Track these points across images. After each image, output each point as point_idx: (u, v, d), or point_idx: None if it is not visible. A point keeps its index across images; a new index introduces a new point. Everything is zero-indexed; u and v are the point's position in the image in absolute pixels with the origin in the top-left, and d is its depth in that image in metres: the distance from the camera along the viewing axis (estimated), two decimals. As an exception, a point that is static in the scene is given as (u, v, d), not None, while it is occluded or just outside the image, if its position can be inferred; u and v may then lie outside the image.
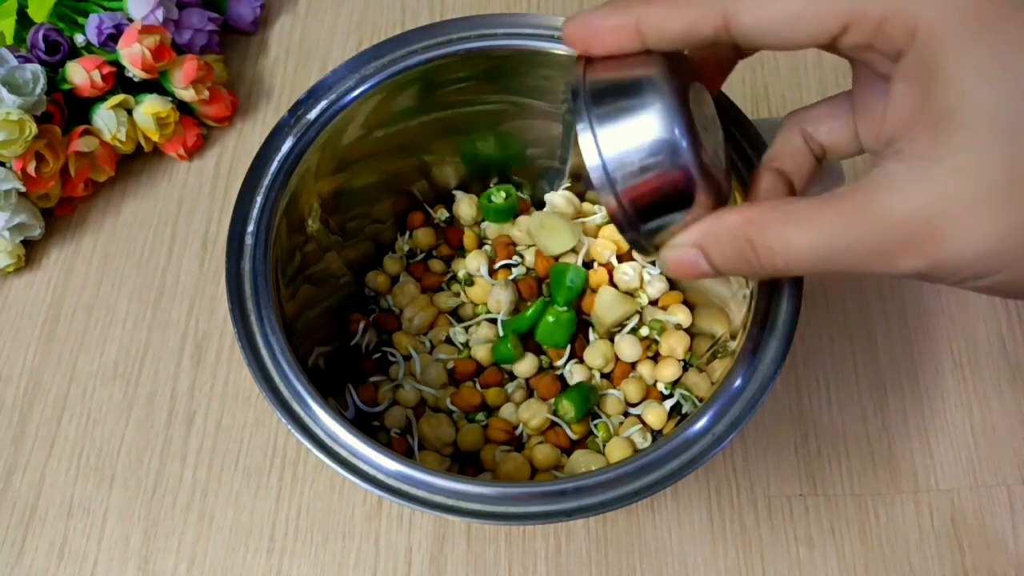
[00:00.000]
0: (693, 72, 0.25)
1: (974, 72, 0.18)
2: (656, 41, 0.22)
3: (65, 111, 0.46)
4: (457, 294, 0.43)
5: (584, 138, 0.23)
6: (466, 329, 0.42)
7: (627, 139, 0.22)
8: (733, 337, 0.34)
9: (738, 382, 0.30)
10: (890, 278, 0.22)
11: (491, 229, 0.44)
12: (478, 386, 0.40)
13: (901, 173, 0.19)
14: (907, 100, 0.20)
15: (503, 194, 0.43)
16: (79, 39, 0.46)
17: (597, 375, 0.40)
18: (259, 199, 0.33)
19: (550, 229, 0.41)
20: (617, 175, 0.22)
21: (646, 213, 0.23)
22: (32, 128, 0.42)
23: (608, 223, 0.43)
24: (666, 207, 0.23)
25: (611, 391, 0.40)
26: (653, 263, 0.42)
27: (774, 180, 0.27)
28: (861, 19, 0.19)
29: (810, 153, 0.26)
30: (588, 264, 0.42)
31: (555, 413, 0.39)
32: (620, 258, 0.42)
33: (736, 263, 0.22)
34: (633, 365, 0.41)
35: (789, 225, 0.21)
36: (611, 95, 0.23)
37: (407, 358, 0.41)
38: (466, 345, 0.41)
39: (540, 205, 0.45)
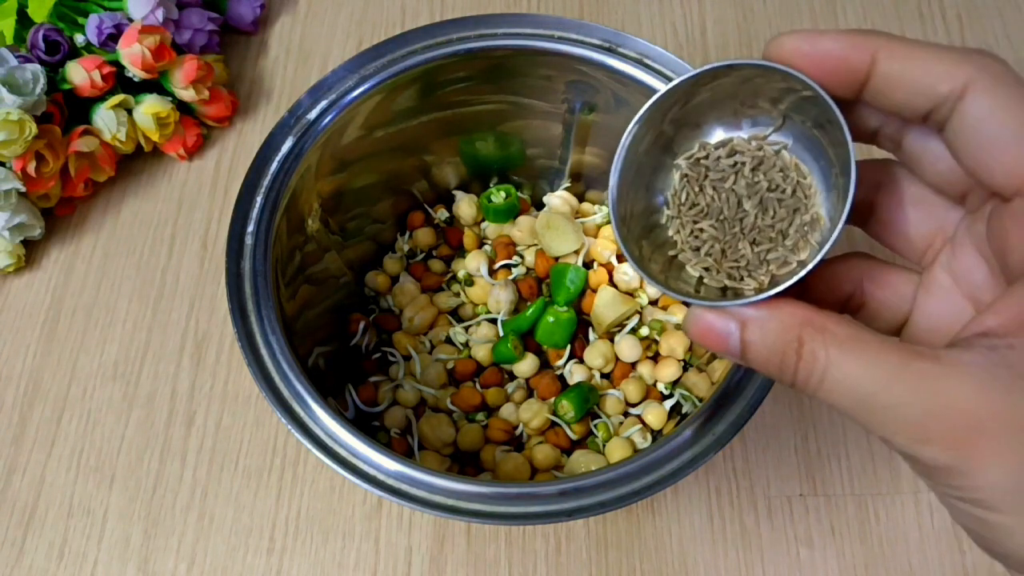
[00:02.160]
0: None
1: None
2: (890, 79, 0.20)
3: (65, 111, 0.46)
4: (457, 294, 0.43)
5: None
6: (466, 329, 0.42)
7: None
8: (733, 337, 0.34)
9: (738, 382, 0.30)
10: (899, 453, 0.21)
11: (491, 229, 0.44)
12: (478, 386, 0.40)
13: (985, 369, 0.18)
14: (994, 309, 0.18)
15: (503, 194, 0.43)
16: (79, 39, 0.46)
17: (597, 375, 0.40)
18: (259, 199, 0.33)
19: (555, 230, 0.41)
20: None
21: None
22: (32, 128, 0.42)
23: (608, 223, 0.43)
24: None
25: (611, 391, 0.40)
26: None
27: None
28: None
29: (845, 299, 0.24)
30: (588, 264, 0.42)
31: (555, 413, 0.39)
32: (620, 258, 0.42)
33: (772, 356, 0.20)
34: (633, 365, 0.41)
35: (850, 350, 0.19)
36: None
37: (407, 358, 0.41)
38: (466, 345, 0.41)
39: (540, 205, 0.45)
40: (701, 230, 0.24)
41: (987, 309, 0.20)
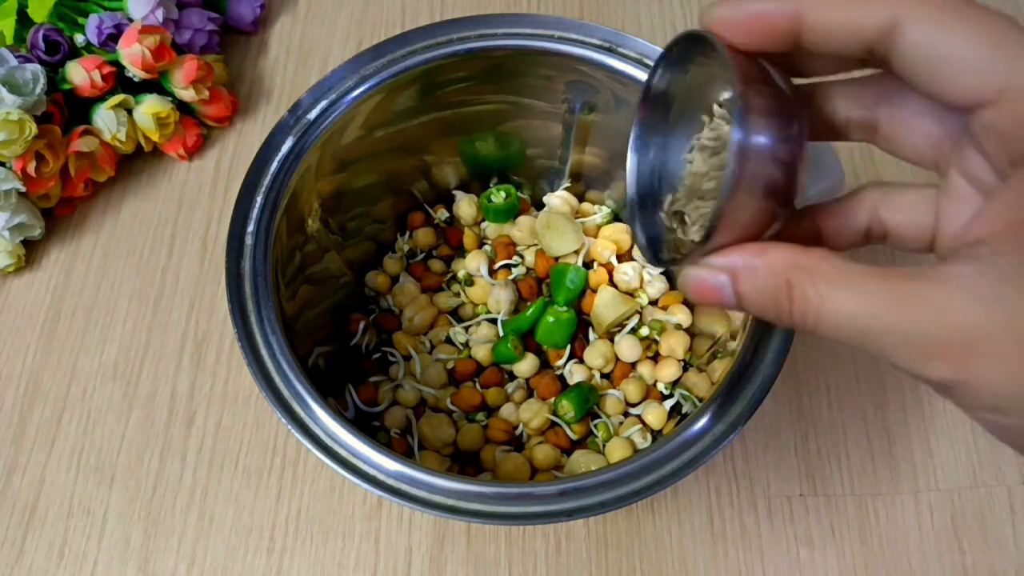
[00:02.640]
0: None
1: None
2: (813, 36, 0.20)
3: (65, 111, 0.46)
4: (457, 294, 0.43)
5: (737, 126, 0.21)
6: (466, 329, 0.42)
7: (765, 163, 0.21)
8: (733, 337, 0.34)
9: (738, 382, 0.30)
10: (908, 375, 0.21)
11: (491, 229, 0.44)
12: (478, 386, 0.40)
13: (974, 280, 0.18)
14: (1012, 211, 0.19)
15: (503, 194, 0.43)
16: (79, 39, 0.46)
17: (597, 375, 0.40)
18: (259, 199, 0.33)
19: (555, 230, 0.41)
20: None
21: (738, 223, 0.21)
22: (32, 128, 0.42)
23: (609, 223, 0.43)
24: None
25: (611, 391, 0.40)
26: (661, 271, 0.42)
27: (804, 228, 0.25)
28: (1014, 99, 0.18)
29: (865, 230, 0.25)
30: (588, 264, 0.42)
31: (555, 413, 0.39)
32: (620, 258, 0.42)
33: (765, 302, 0.20)
34: (633, 365, 0.41)
35: (838, 284, 0.19)
36: (764, 107, 0.21)
37: (407, 358, 0.41)
38: (466, 345, 0.41)
39: (540, 205, 0.45)
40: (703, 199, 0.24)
41: (974, 218, 0.20)
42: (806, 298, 0.20)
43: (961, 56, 0.19)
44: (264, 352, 0.31)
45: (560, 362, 0.41)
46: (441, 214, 0.45)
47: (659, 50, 0.35)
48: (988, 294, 0.18)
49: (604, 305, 0.40)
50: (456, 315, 0.43)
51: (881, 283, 0.19)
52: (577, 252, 0.42)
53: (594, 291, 0.41)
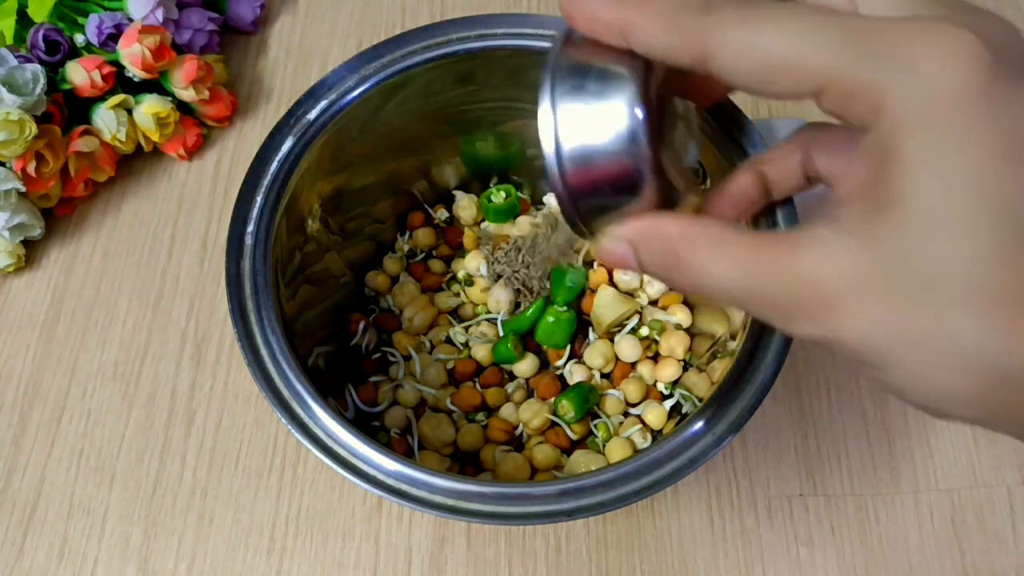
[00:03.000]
0: (677, 82, 0.25)
1: (925, 168, 0.18)
2: (637, 49, 0.22)
3: (65, 111, 0.46)
4: (457, 294, 0.43)
5: (543, 106, 0.24)
6: (466, 329, 0.42)
7: (585, 117, 0.23)
8: (733, 337, 0.34)
9: (738, 382, 0.30)
10: (796, 339, 0.22)
11: (491, 229, 0.44)
12: (478, 386, 0.40)
13: (826, 239, 0.19)
14: (860, 173, 0.19)
15: (503, 194, 0.43)
16: (79, 39, 0.46)
17: (597, 375, 0.40)
18: (259, 199, 0.33)
19: (606, 306, 0.40)
20: (567, 148, 0.23)
21: (587, 192, 0.23)
22: (32, 128, 0.42)
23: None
24: (607, 193, 0.23)
25: (611, 391, 0.40)
26: None
27: (750, 180, 0.27)
28: (833, 86, 0.19)
29: (802, 172, 0.26)
30: (588, 264, 0.42)
31: (555, 413, 0.39)
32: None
33: (660, 270, 0.22)
34: (633, 365, 0.41)
35: (713, 253, 0.21)
36: (580, 74, 0.23)
37: (407, 358, 0.41)
38: (466, 345, 0.41)
39: (540, 205, 0.45)
40: None
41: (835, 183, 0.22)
42: (691, 268, 0.21)
43: (777, 57, 0.19)
44: (264, 352, 0.31)
45: (560, 362, 0.41)
46: (441, 214, 0.45)
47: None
48: (839, 252, 0.19)
49: (604, 305, 0.40)
50: (456, 315, 0.43)
51: (747, 248, 0.20)
52: (577, 251, 0.42)
53: (594, 291, 0.41)
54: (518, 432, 0.39)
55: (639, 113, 0.22)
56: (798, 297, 0.19)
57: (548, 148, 0.23)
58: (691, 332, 0.41)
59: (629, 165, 0.22)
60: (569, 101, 0.23)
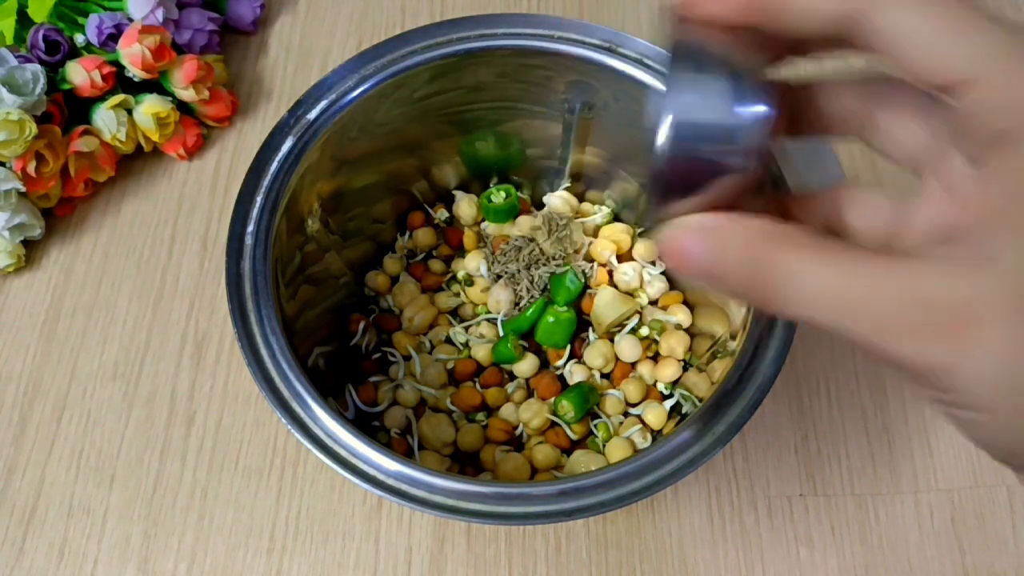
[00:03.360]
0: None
1: None
2: (773, 14, 0.20)
3: (65, 111, 0.46)
4: (457, 294, 0.43)
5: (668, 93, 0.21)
6: (466, 329, 0.42)
7: (710, 91, 0.20)
8: (733, 337, 0.34)
9: (738, 382, 0.30)
10: (877, 361, 0.20)
11: (491, 229, 0.44)
12: (478, 386, 0.40)
13: (959, 259, 0.17)
14: (997, 194, 0.18)
15: (503, 194, 0.43)
16: (79, 39, 0.46)
17: (597, 375, 0.40)
18: (259, 199, 0.33)
19: (605, 306, 0.40)
20: (684, 118, 0.20)
21: (687, 160, 0.21)
22: (32, 128, 0.42)
23: (609, 223, 0.43)
24: (706, 167, 0.20)
25: (611, 391, 0.40)
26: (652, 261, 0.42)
27: (780, 211, 0.24)
28: (986, 85, 0.17)
29: (822, 225, 0.24)
30: (589, 262, 0.42)
31: (555, 413, 0.39)
32: (620, 258, 0.42)
33: (731, 270, 0.19)
34: (633, 365, 0.41)
35: (811, 257, 0.18)
36: (703, 54, 0.21)
37: (407, 358, 0.41)
38: (466, 345, 0.41)
39: (540, 205, 0.45)
40: None
41: (946, 208, 0.20)
42: (775, 271, 0.18)
43: (927, 41, 0.18)
44: (264, 352, 0.31)
45: (560, 362, 0.41)
46: (441, 214, 0.45)
47: (659, 50, 0.35)
48: (976, 275, 0.17)
49: (604, 305, 0.40)
50: (456, 315, 0.43)
51: (859, 258, 0.18)
52: (577, 252, 0.42)
53: (594, 291, 0.41)
54: (518, 432, 0.39)
55: (768, 99, 0.20)
56: (918, 317, 0.17)
57: (665, 112, 0.20)
58: (691, 332, 0.41)
59: (738, 149, 0.20)
60: (689, 91, 0.21)
